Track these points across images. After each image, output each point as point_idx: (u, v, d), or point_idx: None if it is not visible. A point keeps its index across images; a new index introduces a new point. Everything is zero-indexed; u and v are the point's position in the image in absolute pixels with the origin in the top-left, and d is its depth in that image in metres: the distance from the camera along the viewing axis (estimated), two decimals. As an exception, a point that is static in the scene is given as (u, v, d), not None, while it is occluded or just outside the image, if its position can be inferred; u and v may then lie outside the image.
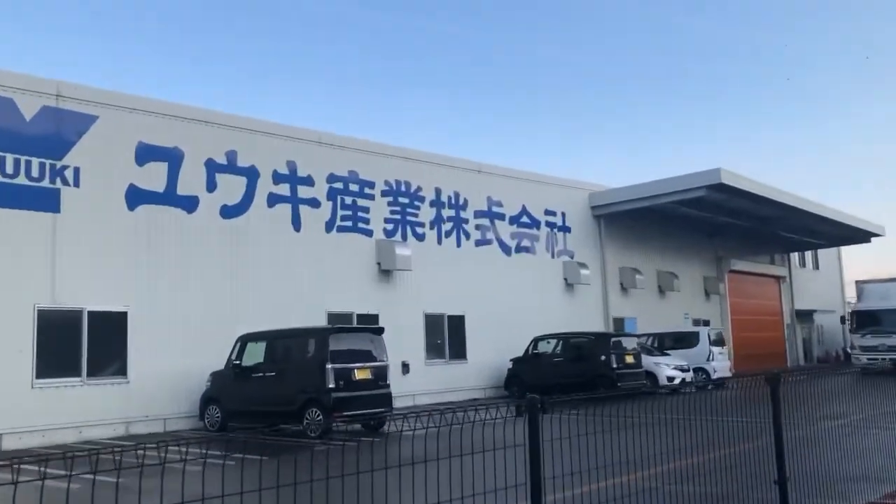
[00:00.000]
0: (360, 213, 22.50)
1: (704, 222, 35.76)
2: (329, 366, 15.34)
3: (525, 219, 28.43)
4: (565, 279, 29.69)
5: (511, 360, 25.13)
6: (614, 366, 23.03)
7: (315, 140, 21.66)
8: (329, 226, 21.62)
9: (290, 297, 20.23)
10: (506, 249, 27.40)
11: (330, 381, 15.30)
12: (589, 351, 23.73)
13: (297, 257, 20.72)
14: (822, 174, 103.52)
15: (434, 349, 24.33)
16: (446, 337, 24.69)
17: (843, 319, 36.25)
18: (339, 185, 22.03)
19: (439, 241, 24.95)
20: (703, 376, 26.99)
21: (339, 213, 21.92)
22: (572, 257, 30.23)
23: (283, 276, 20.28)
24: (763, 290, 43.81)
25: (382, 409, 15.92)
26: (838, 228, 40.77)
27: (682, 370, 25.36)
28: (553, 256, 29.48)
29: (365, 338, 16.51)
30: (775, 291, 45.16)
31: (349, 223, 22.17)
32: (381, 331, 16.93)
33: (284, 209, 20.65)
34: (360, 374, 15.83)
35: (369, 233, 22.68)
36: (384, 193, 23.32)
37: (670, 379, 24.75)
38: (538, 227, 28.95)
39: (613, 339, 23.72)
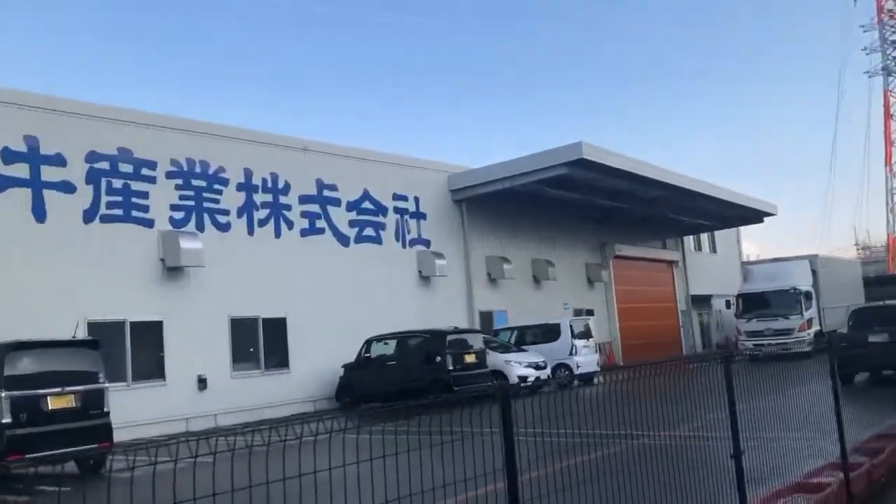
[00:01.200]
0: (135, 200, 18.39)
1: (584, 206, 32.65)
2: (3, 394, 11.36)
3: (368, 204, 24.73)
4: (420, 271, 26.12)
5: (343, 367, 21.43)
6: (450, 367, 19.55)
7: (66, 110, 17.46)
8: (89, 215, 17.47)
9: (33, 304, 16.06)
10: (343, 239, 23.66)
11: (5, 414, 11.32)
12: (423, 352, 20.16)
13: (43, 255, 16.55)
14: (723, 158, 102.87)
15: (245, 359, 20.43)
16: (261, 344, 20.81)
17: (728, 304, 33.67)
18: (103, 166, 17.88)
19: (250, 232, 21.03)
20: (566, 373, 23.80)
21: (105, 199, 17.78)
22: (428, 246, 26.68)
23: (21, 278, 16.10)
24: (655, 276, 41.05)
25: (96, 445, 12.05)
26: (727, 208, 38.27)
27: (537, 367, 22.04)
28: (405, 246, 25.87)
29: (67, 354, 12.48)
30: (668, 277, 42.51)
31: (119, 211, 18.07)
32: (95, 344, 12.96)
33: (21, 195, 16.42)
34: (56, 403, 11.83)
35: (149, 223, 18.60)
36: (170, 175, 19.25)
37: (522, 378, 21.40)
38: (384, 214, 25.29)
39: (450, 338, 20.16)
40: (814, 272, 31.05)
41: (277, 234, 21.66)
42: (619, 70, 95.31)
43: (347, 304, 22.94)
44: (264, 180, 21.54)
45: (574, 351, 24.04)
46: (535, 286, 31.70)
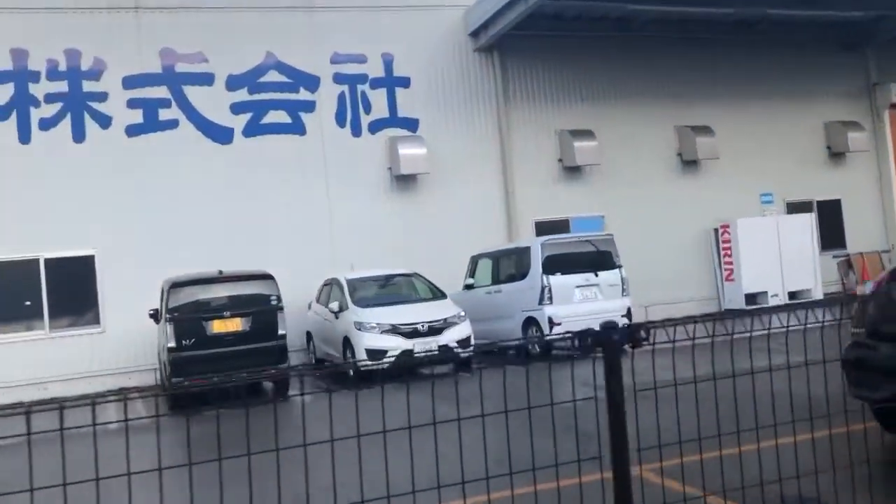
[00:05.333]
0: None
1: (809, 25, 18.85)
2: None
3: (275, 75, 16.20)
4: (390, 169, 16.81)
5: (162, 325, 14.14)
6: (172, 344, 11.11)
7: None
8: None
9: None
10: (218, 133, 15.63)
11: None
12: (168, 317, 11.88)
13: None
14: None
15: (19, 316, 14.48)
16: (44, 294, 14.55)
17: None
18: None
19: (26, 139, 14.61)
20: (537, 333, 12.80)
21: None
22: (415, 129, 17.03)
23: None
24: None
25: None
26: None
27: (415, 333, 11.80)
28: (358, 133, 16.71)
29: None
30: None
31: None
32: None
33: None
34: None
35: None
36: None
37: (374, 353, 11.55)
38: (312, 87, 16.42)
39: (178, 292, 11.37)
40: None
41: (79, 137, 14.83)
42: None
43: (229, 232, 15.29)
44: (52, 62, 14.80)
45: (547, 295, 12.74)
46: (682, 171, 19.26)
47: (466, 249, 15.68)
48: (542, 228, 17.35)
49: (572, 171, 18.03)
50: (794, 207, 19.82)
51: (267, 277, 11.77)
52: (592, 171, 18.10)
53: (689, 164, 19.10)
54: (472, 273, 14.94)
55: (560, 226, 17.55)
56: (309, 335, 14.67)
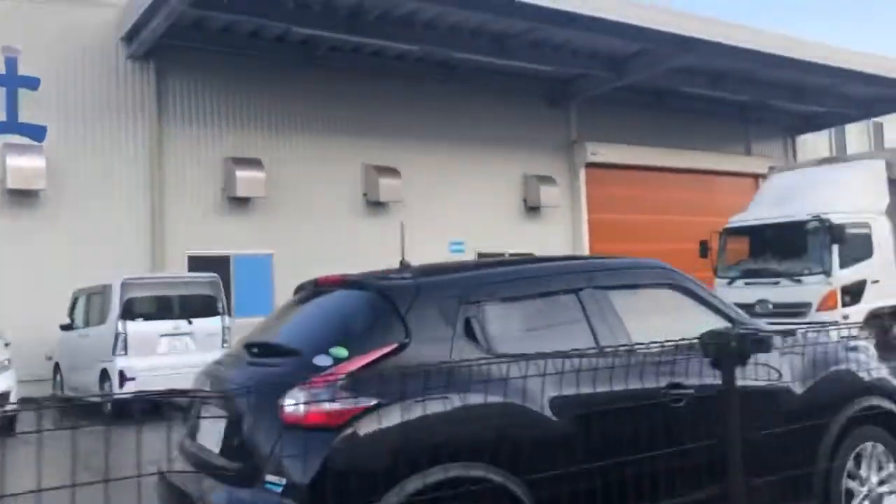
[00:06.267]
0: None
1: (509, 75, 18.32)
2: None
3: None
4: (1, 182, 14.12)
5: None
6: None
7: None
8: None
9: None
10: None
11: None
12: None
13: None
14: None
15: None
16: None
17: (702, 248, 16.39)
18: None
19: None
20: (108, 389, 10.61)
21: None
22: (40, 138, 14.49)
23: None
24: (722, 197, 24.21)
25: None
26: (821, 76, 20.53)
27: None
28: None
29: None
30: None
31: None
32: None
33: None
34: None
35: None
36: None
37: None
38: None
39: None
40: (894, 183, 13.85)
41: None
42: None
43: None
44: None
45: (122, 344, 10.68)
46: (375, 212, 18.06)
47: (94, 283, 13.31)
48: (198, 264, 15.28)
49: (238, 202, 16.22)
50: (486, 258, 19.19)
51: None
52: (262, 205, 16.38)
53: (376, 205, 17.93)
54: (71, 311, 12.60)
55: (219, 262, 15.58)
56: None
